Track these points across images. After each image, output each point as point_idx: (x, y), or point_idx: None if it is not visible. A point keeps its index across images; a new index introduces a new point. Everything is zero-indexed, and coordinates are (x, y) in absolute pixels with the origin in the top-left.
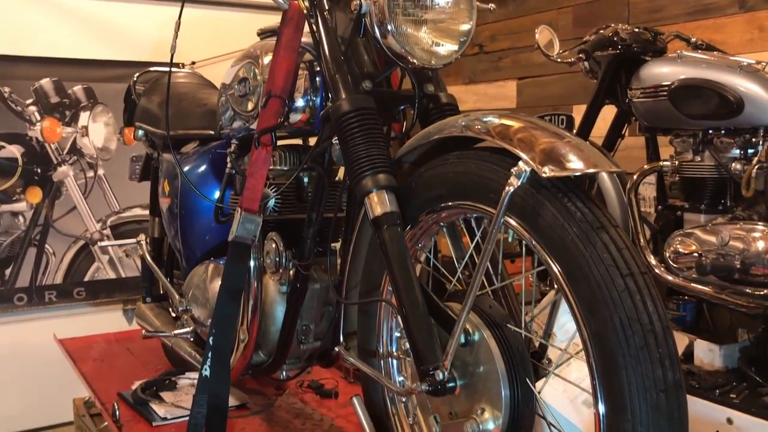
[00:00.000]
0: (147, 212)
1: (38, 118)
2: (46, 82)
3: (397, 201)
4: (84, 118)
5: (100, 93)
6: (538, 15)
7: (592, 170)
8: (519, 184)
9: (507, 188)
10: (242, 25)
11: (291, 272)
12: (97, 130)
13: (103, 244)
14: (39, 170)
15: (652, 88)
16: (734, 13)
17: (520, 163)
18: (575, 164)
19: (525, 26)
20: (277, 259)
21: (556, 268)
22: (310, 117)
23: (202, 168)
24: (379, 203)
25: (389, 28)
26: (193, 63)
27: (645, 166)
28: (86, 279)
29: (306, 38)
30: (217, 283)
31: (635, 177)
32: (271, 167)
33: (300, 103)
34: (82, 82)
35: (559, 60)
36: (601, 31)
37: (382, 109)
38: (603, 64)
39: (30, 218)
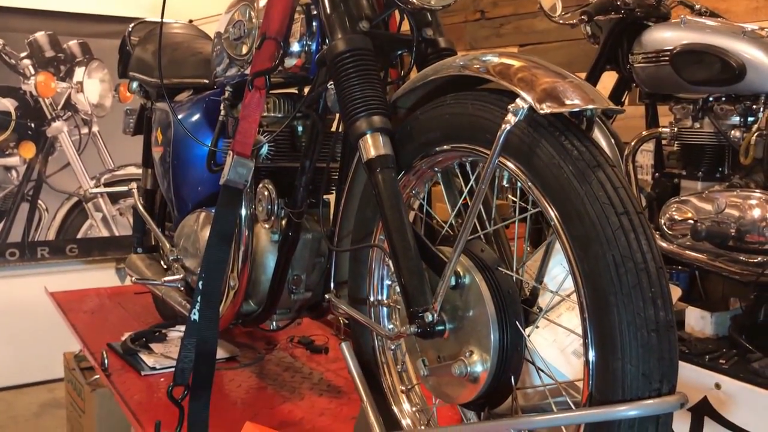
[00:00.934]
0: (141, 171)
1: (32, 72)
2: (41, 36)
3: (391, 144)
4: (79, 73)
5: (95, 48)
6: None
7: (590, 106)
8: (516, 121)
9: (503, 126)
10: None
11: (283, 221)
12: (93, 86)
13: (94, 190)
14: (33, 125)
15: (654, 53)
16: None
17: (518, 99)
18: (573, 101)
19: None
20: (269, 206)
21: (551, 210)
22: (306, 62)
23: (196, 116)
24: (373, 146)
25: None
26: (191, 21)
27: (643, 133)
28: (79, 236)
29: None
30: (208, 231)
31: (633, 143)
32: (264, 114)
33: (295, 47)
34: (77, 36)
35: (561, 21)
36: None
37: (380, 53)
38: (605, 29)
39: (23, 173)
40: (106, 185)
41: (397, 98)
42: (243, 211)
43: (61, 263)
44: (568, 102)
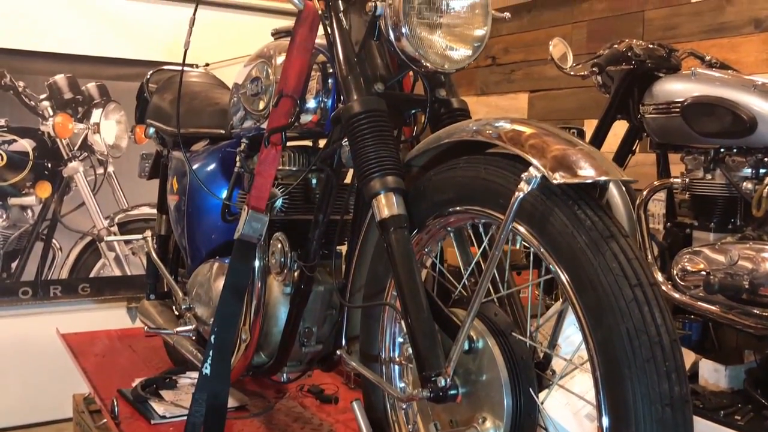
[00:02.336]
0: (155, 211)
1: (51, 113)
2: (60, 78)
3: (405, 204)
4: (96, 115)
5: (113, 91)
6: (552, 29)
7: (603, 178)
8: (529, 189)
9: (516, 193)
10: (256, 28)
11: (295, 273)
12: (109, 127)
13: (109, 238)
14: (49, 165)
15: (665, 104)
16: (750, 33)
17: (531, 168)
18: (586, 171)
19: (539, 40)
20: (282, 259)
21: (563, 276)
22: (321, 118)
23: (212, 166)
24: (386, 205)
25: (404, 31)
26: (207, 65)
27: (655, 183)
28: (92, 275)
29: (320, 39)
30: (221, 282)
31: (645, 193)
32: (279, 167)
33: (311, 103)
34: (96, 79)
35: (572, 73)
36: (615, 46)
37: (394, 113)
38: (616, 79)
39: (38, 212)
40: (119, 225)
41: (411, 158)
42: (256, 263)
43: (73, 302)
44: (580, 173)
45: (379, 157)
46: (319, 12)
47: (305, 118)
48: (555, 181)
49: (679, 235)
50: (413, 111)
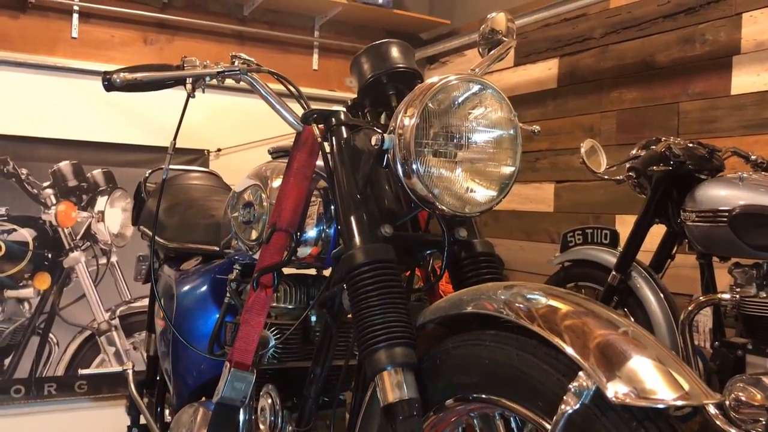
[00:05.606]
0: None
1: (54, 201)
2: (65, 165)
3: (416, 381)
4: (101, 202)
5: (119, 177)
6: (579, 117)
7: (681, 402)
8: (578, 405)
9: (563, 407)
10: (268, 111)
11: None
12: (114, 215)
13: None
14: (50, 255)
15: (710, 212)
16: None
17: (581, 375)
18: (659, 393)
19: (565, 128)
20: (272, 418)
21: None
22: (322, 251)
23: (201, 290)
24: (394, 386)
25: (414, 168)
26: (219, 150)
27: (701, 298)
28: (90, 371)
29: (321, 162)
30: None
31: (690, 308)
32: (273, 304)
33: (311, 233)
34: (101, 165)
35: (606, 177)
36: (653, 147)
37: (405, 254)
38: (654, 181)
39: (36, 305)
40: (121, 317)
41: (425, 321)
42: (241, 417)
43: (68, 401)
44: (651, 394)
45: (385, 321)
46: (318, 140)
47: (303, 252)
48: (615, 400)
49: (730, 357)
50: (428, 252)
